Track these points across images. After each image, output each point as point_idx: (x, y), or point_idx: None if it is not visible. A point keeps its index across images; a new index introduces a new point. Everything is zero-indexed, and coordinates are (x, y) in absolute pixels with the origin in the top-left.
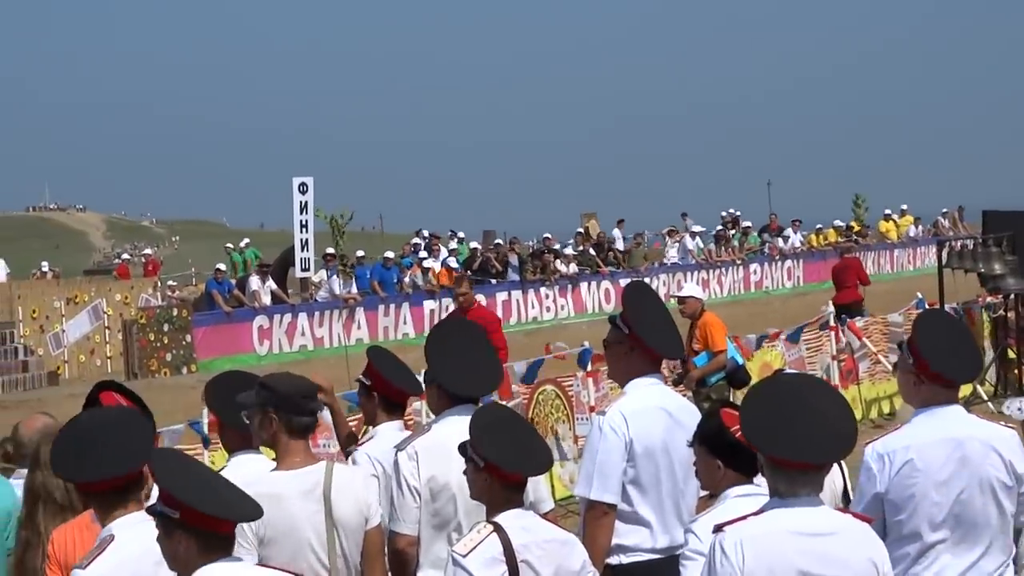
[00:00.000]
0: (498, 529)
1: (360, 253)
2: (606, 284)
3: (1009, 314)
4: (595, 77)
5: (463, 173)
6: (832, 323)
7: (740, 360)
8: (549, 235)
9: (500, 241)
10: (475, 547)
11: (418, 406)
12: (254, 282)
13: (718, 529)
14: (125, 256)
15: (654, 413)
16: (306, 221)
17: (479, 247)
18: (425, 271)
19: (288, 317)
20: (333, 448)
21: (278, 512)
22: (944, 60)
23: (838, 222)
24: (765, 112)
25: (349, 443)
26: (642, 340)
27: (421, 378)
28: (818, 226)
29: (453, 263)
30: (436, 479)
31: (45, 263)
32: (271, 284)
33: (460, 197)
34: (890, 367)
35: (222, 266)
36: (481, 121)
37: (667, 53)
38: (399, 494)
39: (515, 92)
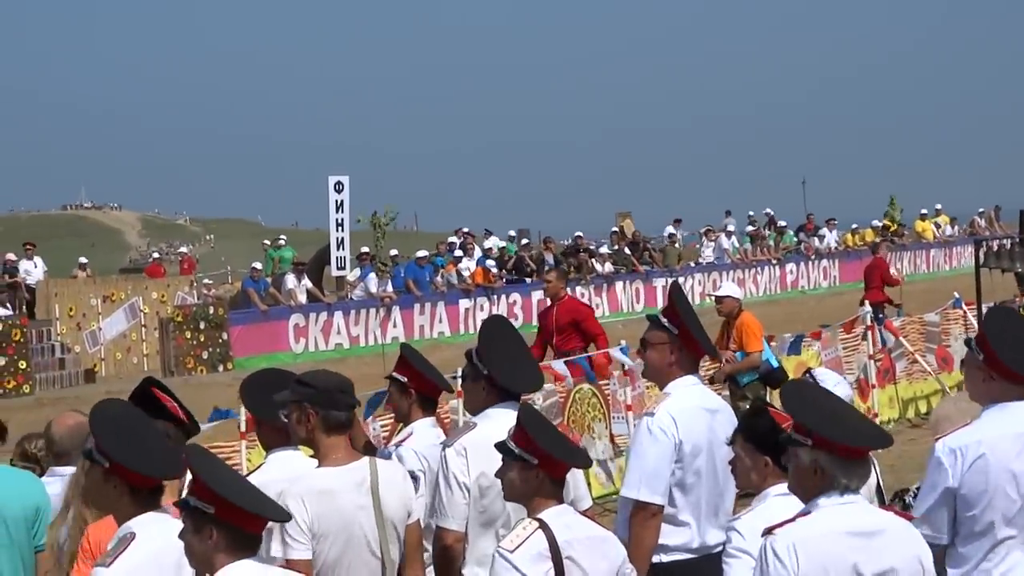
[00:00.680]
0: (543, 526)
1: (394, 252)
2: (640, 283)
3: None
4: (629, 77)
5: (497, 173)
6: (868, 322)
7: (775, 362)
8: (581, 234)
9: (527, 240)
10: (521, 543)
11: (454, 404)
12: (290, 280)
13: (768, 532)
14: (156, 255)
15: (699, 413)
16: (341, 220)
17: (514, 247)
18: (460, 271)
19: (324, 315)
20: None
21: (330, 507)
22: (980, 57)
23: (875, 222)
24: (800, 112)
25: (367, 452)
26: (694, 339)
27: (454, 376)
28: (854, 225)
29: (489, 263)
30: (486, 475)
31: (84, 259)
32: (307, 282)
33: (494, 196)
34: (927, 367)
35: (258, 265)
36: (515, 121)
37: (702, 53)
38: (447, 490)
39: (548, 92)
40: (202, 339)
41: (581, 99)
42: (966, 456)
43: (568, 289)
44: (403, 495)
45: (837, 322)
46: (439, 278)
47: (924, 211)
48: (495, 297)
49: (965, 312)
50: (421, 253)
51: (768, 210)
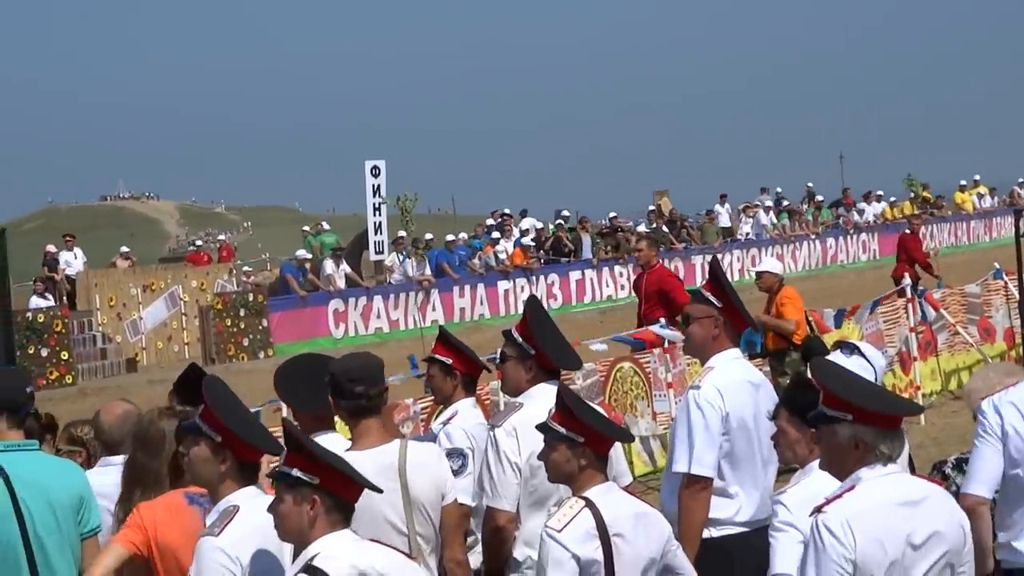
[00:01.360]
0: (590, 504)
1: (429, 236)
2: (679, 261)
3: None
4: (666, 52)
5: (533, 154)
6: (909, 295)
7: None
8: (616, 214)
9: (561, 221)
10: (569, 522)
11: (495, 384)
12: (328, 266)
13: (817, 510)
14: (199, 243)
15: (743, 387)
16: (379, 204)
17: (551, 227)
18: (498, 252)
19: (363, 300)
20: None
21: None
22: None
23: (911, 194)
24: (836, 83)
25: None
26: (737, 312)
27: (491, 358)
28: (892, 198)
29: (527, 241)
30: (536, 455)
31: (125, 247)
32: (345, 267)
33: (530, 178)
34: (969, 339)
35: (301, 252)
36: (549, 101)
37: (736, 25)
38: (500, 471)
39: (582, 71)
40: (242, 326)
41: (615, 76)
42: (1007, 414)
43: (657, 259)
44: (436, 477)
45: (877, 295)
46: (476, 260)
47: (963, 182)
48: (534, 278)
49: (1006, 283)
50: (450, 237)
51: (809, 183)
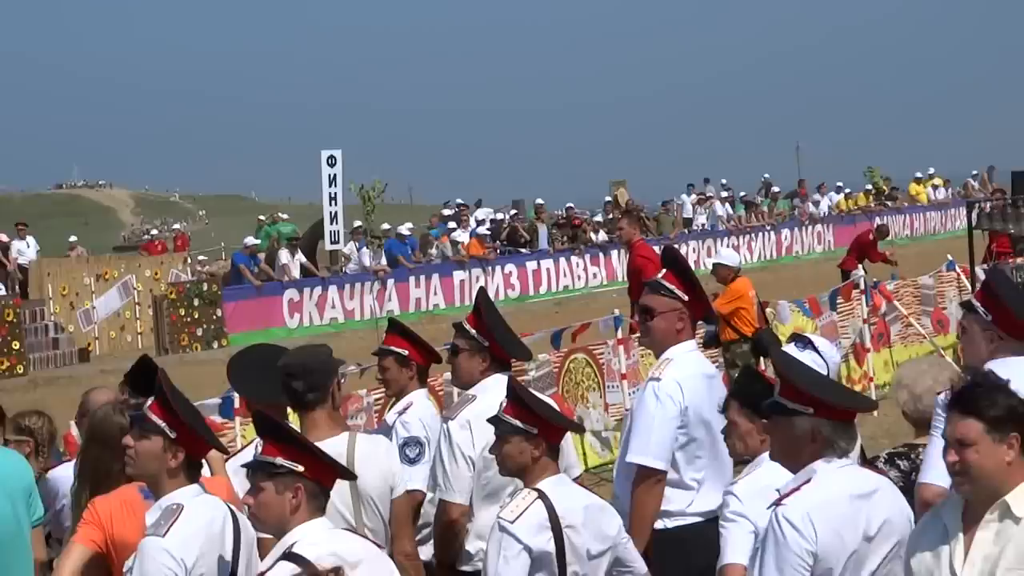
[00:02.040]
0: (542, 495)
1: (386, 226)
2: None
3: None
4: (618, 44)
5: (491, 143)
6: (862, 287)
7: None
8: (572, 204)
9: (516, 211)
10: (522, 513)
11: (449, 375)
12: (283, 255)
13: (777, 503)
14: (154, 232)
15: (700, 379)
16: (335, 194)
17: (507, 218)
18: (455, 242)
19: (319, 290)
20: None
21: None
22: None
23: (868, 186)
24: (792, 74)
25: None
26: (702, 304)
27: (445, 347)
28: (847, 190)
29: (482, 231)
30: (490, 447)
31: (74, 236)
32: (300, 257)
33: (488, 167)
34: (922, 330)
35: (250, 240)
36: (507, 91)
37: (694, 17)
38: (452, 463)
39: (539, 62)
40: (196, 316)
41: (573, 67)
42: None
43: (640, 234)
44: (384, 470)
45: (832, 287)
46: (433, 250)
47: (918, 174)
48: (490, 268)
49: (959, 274)
50: (403, 230)
51: (766, 174)
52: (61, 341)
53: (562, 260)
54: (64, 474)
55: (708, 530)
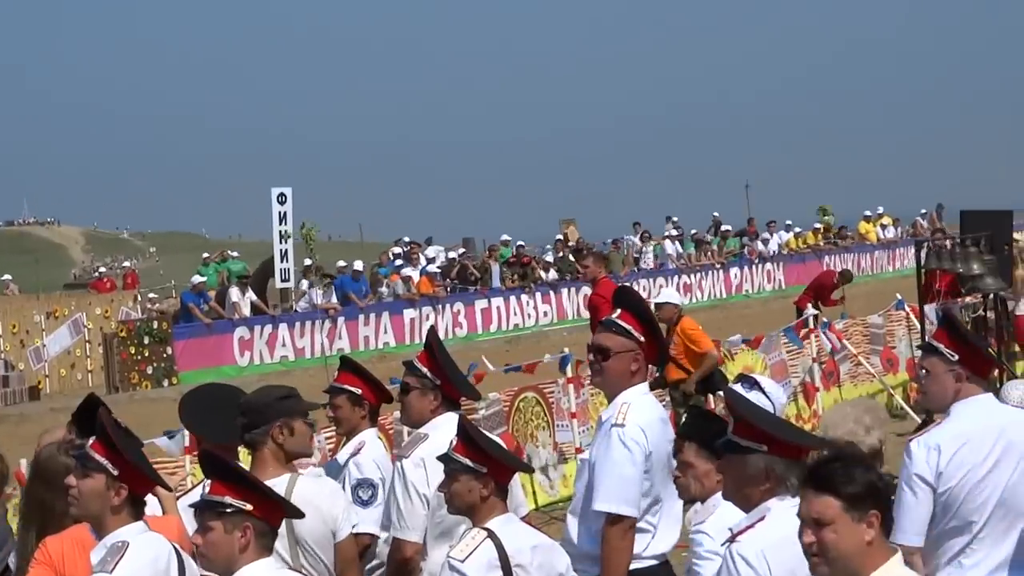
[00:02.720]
0: (492, 535)
1: (341, 263)
2: (586, 290)
3: (988, 314)
4: (567, 83)
5: (441, 181)
6: (812, 325)
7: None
8: (523, 243)
9: (464, 250)
10: (472, 552)
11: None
12: (234, 293)
13: (731, 540)
14: (103, 270)
15: (659, 423)
16: (285, 232)
17: (456, 256)
18: (405, 279)
19: (269, 328)
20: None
21: None
22: (924, 61)
23: (816, 225)
24: (743, 114)
25: None
26: (657, 347)
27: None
28: (797, 229)
29: (433, 269)
30: (439, 485)
31: (8, 275)
32: (251, 295)
33: (438, 206)
34: (871, 369)
35: (197, 278)
36: (457, 129)
37: (646, 55)
38: (408, 502)
39: (489, 101)
40: (147, 354)
41: (524, 105)
42: (943, 452)
43: (606, 273)
44: (325, 514)
45: (782, 326)
46: (383, 288)
47: (867, 213)
48: (440, 306)
49: (908, 314)
50: (356, 266)
51: (715, 213)
52: (11, 379)
53: (512, 298)
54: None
55: (662, 572)
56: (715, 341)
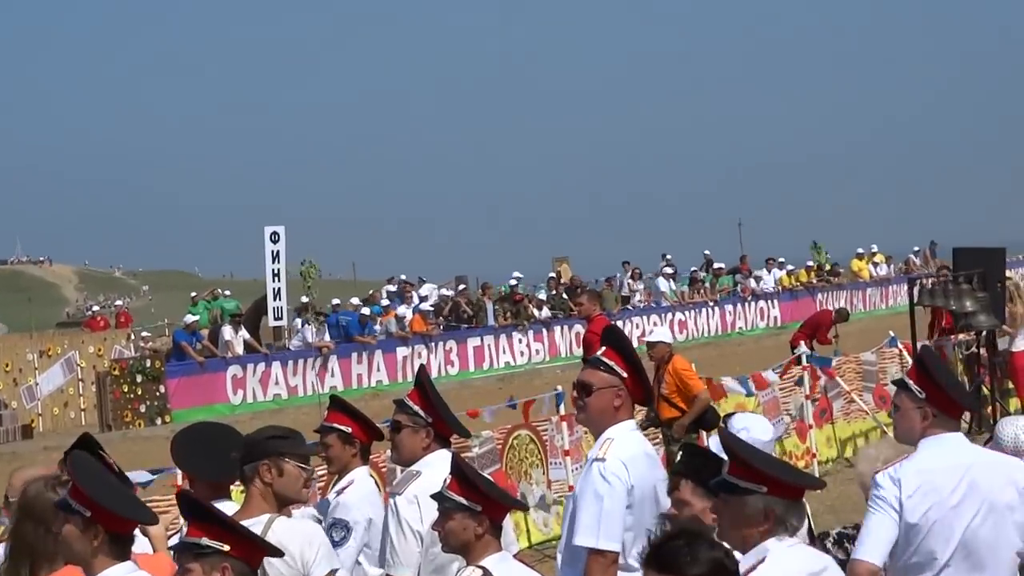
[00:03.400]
0: (487, 573)
1: (336, 301)
2: (579, 328)
3: (981, 351)
4: (559, 121)
5: (435, 219)
6: (805, 363)
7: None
8: (515, 281)
9: (464, 286)
10: None
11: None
12: (227, 332)
13: None
14: (96, 308)
15: (643, 458)
16: (278, 270)
17: (451, 294)
18: (399, 318)
19: (262, 366)
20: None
21: None
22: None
23: (809, 262)
24: (735, 153)
25: None
26: (642, 386)
27: (385, 423)
28: (790, 266)
29: (426, 307)
30: (433, 523)
31: None
32: (244, 333)
33: (432, 244)
34: (864, 406)
35: (189, 317)
36: (450, 169)
37: (636, 93)
38: (401, 539)
39: (482, 140)
40: (140, 392)
41: (516, 144)
42: (905, 487)
43: (600, 310)
44: (295, 558)
45: (775, 363)
46: (377, 327)
47: (860, 250)
48: (433, 345)
49: (901, 351)
50: (356, 302)
51: (706, 251)
52: (4, 417)
53: (503, 336)
54: None
55: None
56: (707, 379)
